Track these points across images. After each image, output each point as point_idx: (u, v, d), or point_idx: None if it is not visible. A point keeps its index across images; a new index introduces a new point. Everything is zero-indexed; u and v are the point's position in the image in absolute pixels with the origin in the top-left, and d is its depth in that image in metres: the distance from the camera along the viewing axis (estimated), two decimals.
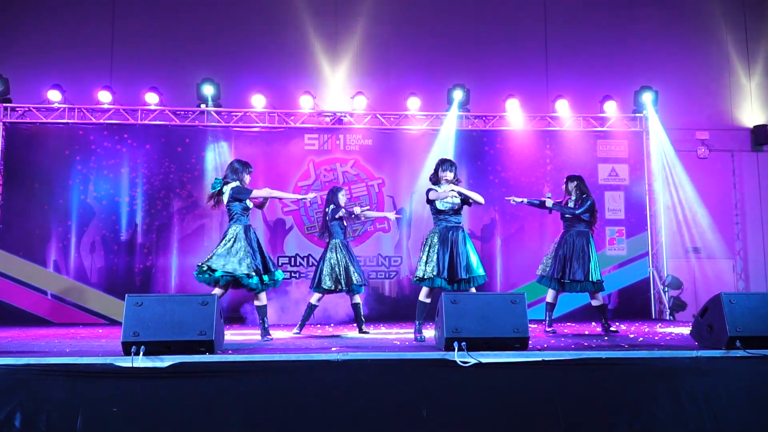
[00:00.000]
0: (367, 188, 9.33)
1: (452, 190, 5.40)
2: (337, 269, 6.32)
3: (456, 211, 5.45)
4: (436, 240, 5.36)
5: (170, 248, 8.94)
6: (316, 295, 6.42)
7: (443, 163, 5.53)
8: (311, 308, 6.47)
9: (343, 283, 6.32)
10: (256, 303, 5.77)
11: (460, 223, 5.49)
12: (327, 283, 6.28)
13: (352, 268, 6.35)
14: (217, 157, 9.01)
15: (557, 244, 6.36)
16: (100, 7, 9.67)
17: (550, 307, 6.42)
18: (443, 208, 5.41)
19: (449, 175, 5.47)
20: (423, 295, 5.45)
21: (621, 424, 3.89)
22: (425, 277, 5.32)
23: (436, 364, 4.02)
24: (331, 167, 9.34)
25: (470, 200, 5.47)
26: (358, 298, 6.53)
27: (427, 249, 5.38)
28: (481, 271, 5.41)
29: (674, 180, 9.75)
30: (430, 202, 5.45)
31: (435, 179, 5.54)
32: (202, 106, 9.12)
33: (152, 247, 8.93)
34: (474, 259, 5.39)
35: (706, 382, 3.99)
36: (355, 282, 6.33)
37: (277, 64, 9.73)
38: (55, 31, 9.56)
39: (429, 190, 5.49)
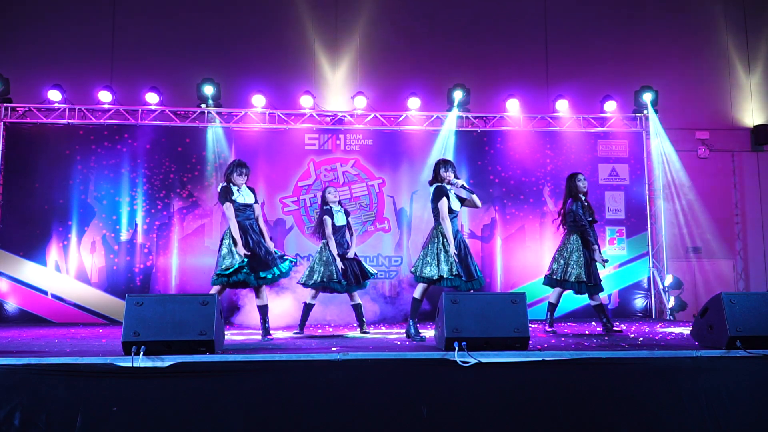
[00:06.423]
0: (368, 188, 9.33)
1: (462, 186, 5.45)
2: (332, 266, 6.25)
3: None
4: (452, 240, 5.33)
5: (170, 248, 8.94)
6: (311, 293, 6.39)
7: (445, 163, 5.54)
8: (308, 307, 6.45)
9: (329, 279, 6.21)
10: (257, 302, 5.77)
11: None
12: (314, 277, 6.23)
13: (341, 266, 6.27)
14: (217, 157, 9.01)
15: (580, 246, 6.26)
16: (101, 7, 9.68)
17: (553, 307, 6.43)
18: (456, 209, 5.45)
19: (451, 175, 5.49)
20: (419, 293, 5.45)
21: (621, 424, 3.89)
22: (445, 276, 5.24)
23: (437, 364, 4.01)
24: (331, 167, 9.34)
25: (467, 202, 5.53)
26: (357, 299, 6.52)
27: (447, 248, 5.30)
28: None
29: (674, 180, 9.74)
30: (436, 208, 5.39)
31: (435, 179, 5.54)
32: (202, 106, 9.13)
33: (152, 247, 8.94)
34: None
35: (707, 382, 3.99)
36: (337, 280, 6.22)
37: (277, 64, 9.73)
38: (56, 31, 9.56)
39: (439, 192, 5.40)
